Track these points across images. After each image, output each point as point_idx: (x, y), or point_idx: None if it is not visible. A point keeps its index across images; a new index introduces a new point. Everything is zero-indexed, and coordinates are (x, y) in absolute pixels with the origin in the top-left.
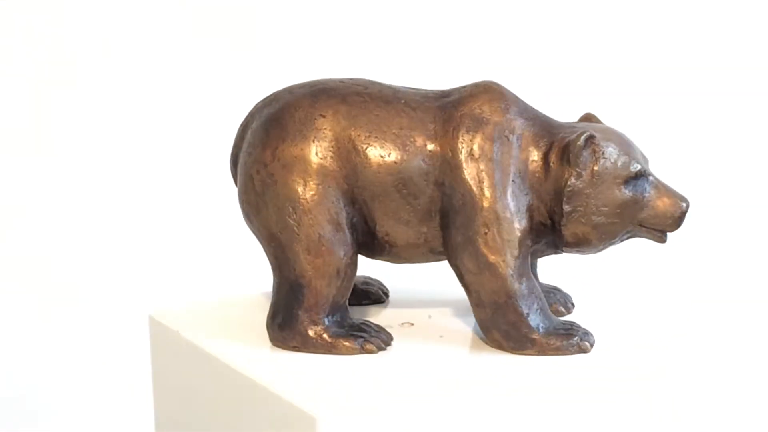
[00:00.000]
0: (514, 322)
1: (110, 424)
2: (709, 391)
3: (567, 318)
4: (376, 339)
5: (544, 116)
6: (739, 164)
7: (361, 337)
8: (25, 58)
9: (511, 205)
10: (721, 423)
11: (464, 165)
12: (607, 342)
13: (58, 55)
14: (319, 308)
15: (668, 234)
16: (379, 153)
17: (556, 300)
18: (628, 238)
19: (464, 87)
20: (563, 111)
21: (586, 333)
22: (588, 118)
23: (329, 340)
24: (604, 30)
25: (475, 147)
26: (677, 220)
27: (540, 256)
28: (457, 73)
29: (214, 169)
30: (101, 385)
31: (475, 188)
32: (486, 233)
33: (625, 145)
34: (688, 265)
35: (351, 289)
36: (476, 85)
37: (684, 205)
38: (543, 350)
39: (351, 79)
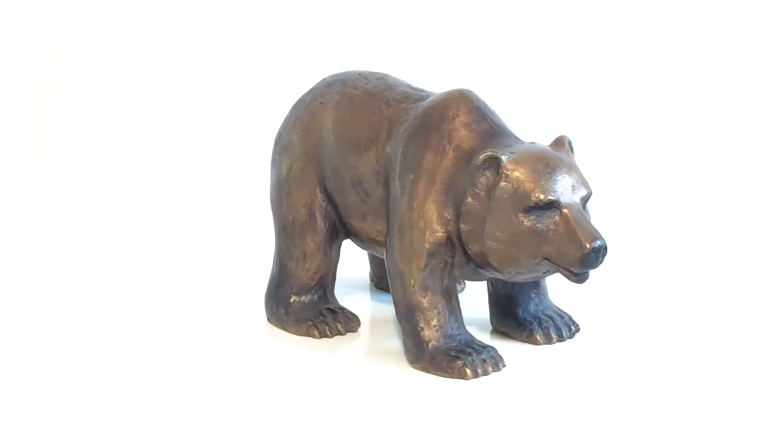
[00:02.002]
0: (409, 333)
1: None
2: (704, 392)
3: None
4: (323, 325)
5: (503, 131)
6: (737, 164)
7: (311, 321)
8: (25, 58)
9: (428, 215)
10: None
11: (398, 169)
12: (606, 343)
13: (58, 54)
14: (287, 287)
15: (588, 273)
16: (343, 146)
17: (549, 326)
18: (546, 272)
19: (439, 92)
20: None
21: (483, 361)
22: (557, 141)
23: (284, 318)
24: (608, 31)
25: (411, 153)
26: (579, 260)
27: (475, 277)
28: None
29: (214, 169)
30: (99, 385)
31: (399, 193)
32: (400, 239)
33: (541, 174)
34: (691, 266)
35: (325, 274)
36: (447, 92)
37: (588, 246)
38: (427, 367)
39: (369, 71)
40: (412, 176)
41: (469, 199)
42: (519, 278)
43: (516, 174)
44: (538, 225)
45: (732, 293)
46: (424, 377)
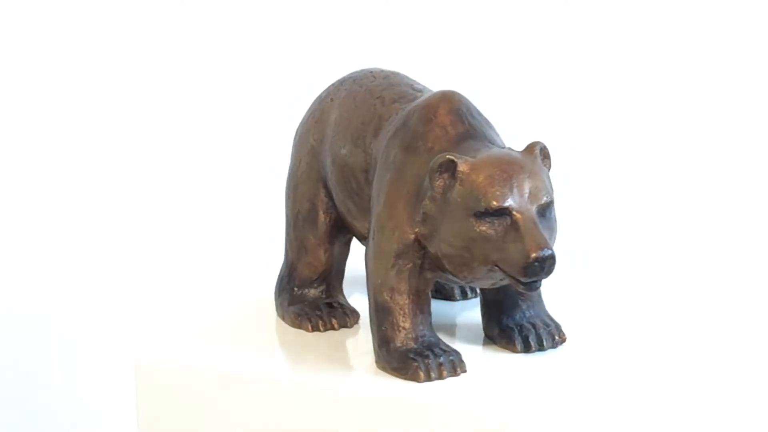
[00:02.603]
0: (374, 332)
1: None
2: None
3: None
4: (317, 318)
5: (479, 135)
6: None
7: (306, 314)
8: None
9: (399, 216)
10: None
11: (379, 169)
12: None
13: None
14: (291, 279)
15: (538, 283)
16: (339, 143)
17: (529, 334)
18: (503, 279)
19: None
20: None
21: (439, 365)
22: (528, 147)
23: (285, 309)
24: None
25: (391, 153)
26: (523, 269)
27: (449, 280)
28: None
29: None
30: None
31: (375, 193)
32: (373, 239)
33: (496, 179)
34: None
35: (327, 269)
36: (434, 93)
37: (533, 255)
38: (386, 367)
39: (382, 69)
40: (388, 176)
41: (427, 202)
42: (478, 284)
43: (471, 179)
44: (489, 231)
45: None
46: (384, 378)
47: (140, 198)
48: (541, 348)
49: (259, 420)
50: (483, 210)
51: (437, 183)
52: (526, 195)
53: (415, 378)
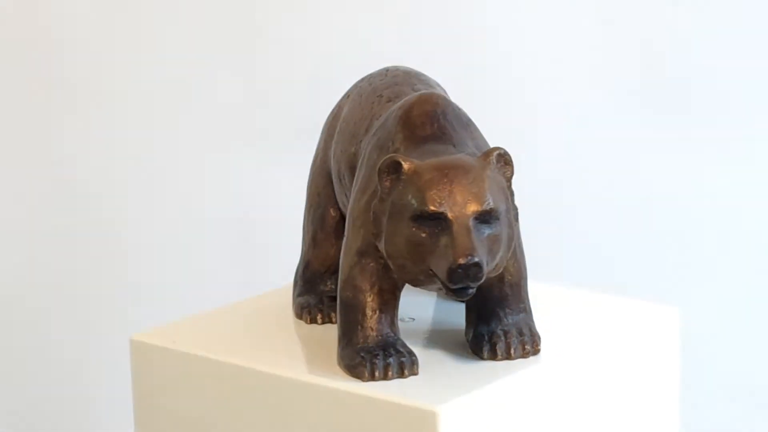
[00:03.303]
0: (337, 328)
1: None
2: None
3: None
4: (316, 311)
5: (444, 138)
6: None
7: (307, 305)
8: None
9: (365, 214)
10: None
11: (357, 167)
12: None
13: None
14: (303, 270)
15: (468, 291)
16: (338, 139)
17: (498, 342)
18: (440, 289)
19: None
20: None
21: (386, 365)
22: (485, 153)
23: (294, 299)
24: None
25: (368, 151)
26: (447, 275)
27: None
28: None
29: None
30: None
31: (352, 191)
32: (345, 236)
33: (435, 184)
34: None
35: (334, 262)
36: (414, 94)
37: (457, 261)
38: (339, 363)
39: (397, 67)
40: (362, 173)
41: (376, 202)
42: (426, 288)
43: (412, 181)
44: (424, 235)
45: None
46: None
47: (169, 187)
48: (508, 357)
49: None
50: (419, 213)
51: (384, 183)
52: (464, 201)
53: (359, 377)
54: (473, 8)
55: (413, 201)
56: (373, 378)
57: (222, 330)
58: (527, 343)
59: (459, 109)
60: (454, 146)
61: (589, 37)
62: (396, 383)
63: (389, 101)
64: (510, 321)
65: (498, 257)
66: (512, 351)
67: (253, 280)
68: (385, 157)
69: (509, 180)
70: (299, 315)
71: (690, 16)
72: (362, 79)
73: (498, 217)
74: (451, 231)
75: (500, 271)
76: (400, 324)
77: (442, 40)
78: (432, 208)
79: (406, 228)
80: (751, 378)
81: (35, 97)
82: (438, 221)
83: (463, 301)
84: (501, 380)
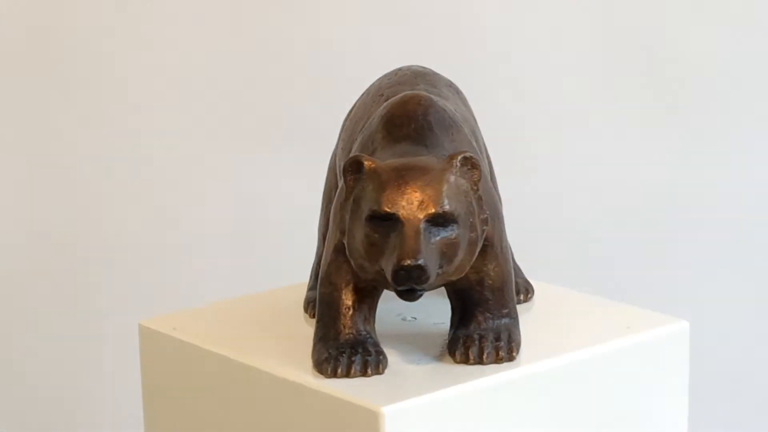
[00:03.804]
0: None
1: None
2: None
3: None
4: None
5: (418, 140)
6: None
7: (311, 300)
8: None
9: (342, 212)
10: None
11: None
12: None
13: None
14: (317, 265)
15: (416, 294)
16: (341, 137)
17: (472, 346)
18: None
19: None
20: None
21: (350, 362)
22: (449, 157)
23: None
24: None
25: (355, 148)
26: (392, 276)
27: None
28: None
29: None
30: (90, 394)
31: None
32: (328, 233)
33: (390, 185)
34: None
35: None
36: (401, 94)
37: (400, 262)
38: (311, 358)
39: (412, 66)
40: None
41: (342, 201)
42: (391, 290)
43: (371, 181)
44: (377, 235)
45: None
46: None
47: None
48: (480, 362)
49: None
50: (373, 213)
51: (348, 182)
52: (417, 203)
53: (323, 373)
54: (472, 7)
55: (369, 201)
56: (335, 375)
57: (225, 321)
58: (502, 349)
59: (445, 111)
60: (427, 147)
61: (590, 36)
62: (357, 382)
63: (387, 100)
64: (489, 325)
65: (456, 261)
66: (485, 356)
67: (253, 280)
68: (350, 156)
69: (476, 184)
70: (305, 309)
71: (689, 15)
72: (378, 78)
73: (455, 221)
74: (401, 232)
75: (461, 274)
76: (402, 323)
77: (441, 40)
78: (385, 208)
79: (363, 227)
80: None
81: (35, 97)
82: (391, 222)
83: (409, 301)
84: (460, 385)
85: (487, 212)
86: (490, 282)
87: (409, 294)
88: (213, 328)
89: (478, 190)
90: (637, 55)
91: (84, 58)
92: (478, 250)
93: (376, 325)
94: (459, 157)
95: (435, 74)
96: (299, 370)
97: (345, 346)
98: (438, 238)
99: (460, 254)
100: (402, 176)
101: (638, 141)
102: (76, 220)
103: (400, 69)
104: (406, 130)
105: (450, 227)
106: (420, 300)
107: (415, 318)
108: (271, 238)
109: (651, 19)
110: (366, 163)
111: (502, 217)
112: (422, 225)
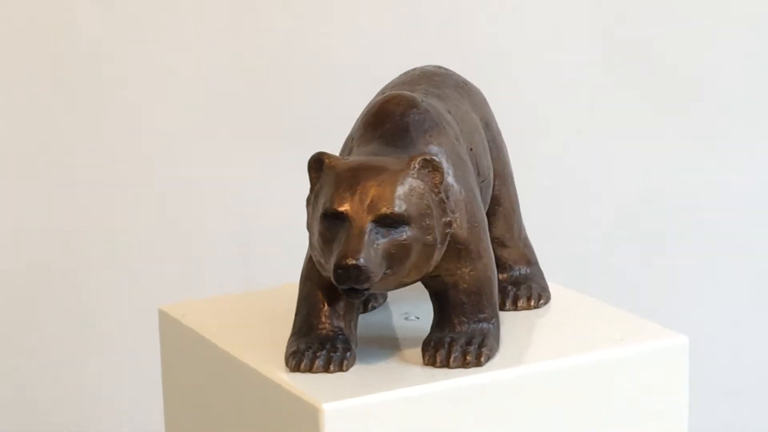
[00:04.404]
0: None
1: (120, 418)
2: None
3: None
4: None
5: (391, 140)
6: None
7: None
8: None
9: None
10: None
11: None
12: None
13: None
14: None
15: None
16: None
17: (440, 349)
18: None
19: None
20: None
21: (314, 358)
22: (409, 159)
23: None
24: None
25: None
26: (334, 274)
27: None
28: None
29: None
30: (110, 378)
31: None
32: None
33: (341, 184)
34: None
35: None
36: (386, 94)
37: (342, 262)
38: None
39: (424, 66)
40: None
41: (309, 196)
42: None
43: (326, 178)
44: (328, 233)
45: None
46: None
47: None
48: (446, 365)
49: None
50: (325, 211)
51: (312, 179)
52: (366, 203)
53: (288, 366)
54: (471, 7)
55: (323, 198)
56: (298, 369)
57: (231, 312)
58: (470, 354)
59: (428, 112)
60: (397, 148)
61: (591, 37)
62: (316, 377)
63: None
64: (464, 329)
65: (408, 263)
66: (451, 360)
67: (254, 280)
68: (314, 154)
69: (437, 186)
70: None
71: (689, 14)
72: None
73: (406, 223)
74: (347, 231)
75: (419, 276)
76: (405, 322)
77: (440, 40)
78: (335, 206)
79: (319, 225)
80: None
81: (35, 97)
82: (340, 220)
83: (353, 300)
84: (407, 388)
85: (452, 215)
86: (465, 286)
87: (351, 293)
88: (218, 317)
89: (439, 192)
90: (637, 55)
91: (82, 57)
92: (440, 253)
93: (378, 321)
94: (418, 159)
95: (447, 74)
96: (271, 363)
97: (314, 341)
98: (386, 239)
99: (413, 257)
100: (355, 176)
101: (639, 142)
102: (76, 220)
103: (414, 69)
104: (380, 130)
105: (400, 229)
106: (426, 300)
107: (418, 318)
108: (272, 236)
109: (651, 18)
110: (326, 160)
111: (483, 221)
112: (369, 225)
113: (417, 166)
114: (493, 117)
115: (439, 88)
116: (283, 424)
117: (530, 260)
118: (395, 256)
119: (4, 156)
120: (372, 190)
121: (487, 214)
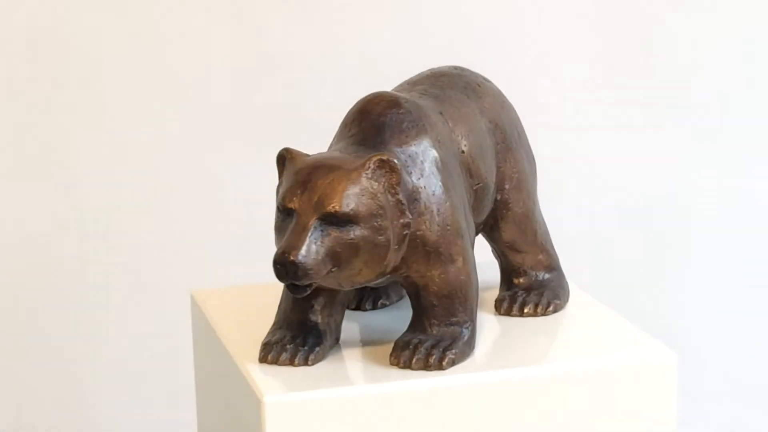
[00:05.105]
0: None
1: (152, 403)
2: None
3: None
4: None
5: (363, 140)
6: None
7: None
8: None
9: None
10: None
11: None
12: None
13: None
14: None
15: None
16: None
17: (405, 351)
18: None
19: None
20: None
21: (282, 350)
22: (366, 158)
23: None
24: None
25: None
26: (273, 268)
27: None
28: None
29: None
30: (142, 364)
31: None
32: None
33: (294, 180)
34: None
35: None
36: (370, 93)
37: (279, 256)
38: None
39: (441, 66)
40: None
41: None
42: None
43: (285, 174)
44: (281, 228)
45: None
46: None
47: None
48: (407, 367)
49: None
50: (278, 206)
51: (279, 173)
52: (313, 200)
53: (258, 357)
54: (470, 7)
55: (279, 193)
56: (265, 361)
57: (249, 302)
58: (432, 357)
59: (409, 113)
60: (366, 147)
61: (590, 37)
62: (281, 369)
63: None
64: (434, 332)
65: (356, 263)
66: (413, 361)
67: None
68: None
69: (393, 187)
70: None
71: (690, 14)
72: None
73: (354, 222)
74: (294, 226)
75: (372, 277)
76: (399, 321)
77: (440, 40)
78: (284, 202)
79: (275, 218)
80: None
81: (34, 97)
82: (290, 216)
83: (295, 296)
84: (355, 387)
85: (410, 217)
86: (435, 288)
87: (294, 289)
88: (234, 305)
89: (396, 193)
90: (638, 54)
91: (82, 57)
92: (396, 254)
93: (376, 320)
94: (374, 159)
95: (458, 75)
96: (251, 353)
97: (287, 334)
98: (331, 237)
99: (362, 256)
100: (309, 173)
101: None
102: (77, 220)
103: (430, 70)
104: (355, 129)
105: (347, 228)
106: None
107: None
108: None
109: (651, 17)
110: (287, 156)
111: (458, 224)
112: (313, 222)
113: (372, 166)
114: (512, 121)
115: (441, 89)
116: (242, 413)
117: (549, 266)
118: (341, 255)
119: (4, 156)
120: (322, 187)
121: (496, 218)
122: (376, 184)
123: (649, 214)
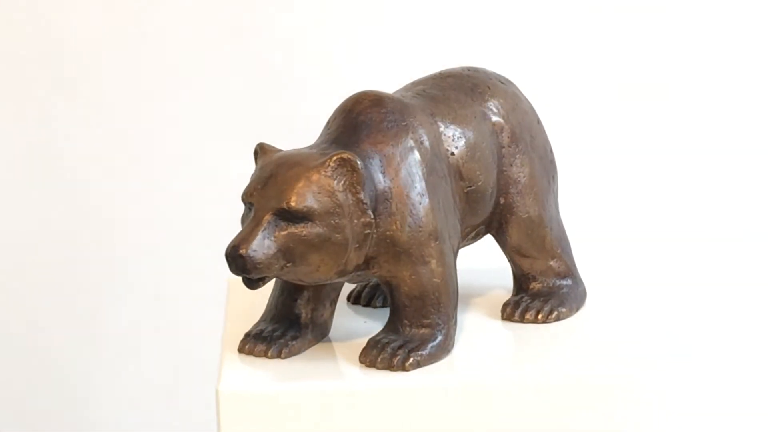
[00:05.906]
0: None
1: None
2: None
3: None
4: None
5: (339, 139)
6: None
7: None
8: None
9: None
10: None
11: None
12: None
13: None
14: None
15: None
16: None
17: (375, 350)
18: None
19: None
20: None
21: (259, 342)
22: (328, 157)
23: None
24: None
25: None
26: (226, 261)
27: None
28: None
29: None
30: (142, 364)
31: None
32: None
33: (256, 175)
34: None
35: None
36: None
37: (229, 250)
38: None
39: (452, 67)
40: None
41: None
42: None
43: (256, 168)
44: (245, 221)
45: None
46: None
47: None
48: (373, 366)
49: None
50: (242, 199)
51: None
52: (270, 195)
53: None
54: (469, 8)
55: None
56: (243, 351)
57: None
58: (398, 357)
59: (391, 113)
60: (338, 145)
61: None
62: (256, 361)
63: None
64: (405, 333)
65: (312, 259)
66: (378, 361)
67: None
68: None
69: (354, 186)
70: (348, 298)
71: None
72: None
73: (308, 218)
74: (250, 219)
75: (332, 274)
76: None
77: (439, 40)
78: (245, 195)
79: (243, 210)
80: None
81: (34, 97)
82: (251, 210)
83: (250, 289)
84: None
85: (372, 217)
86: (406, 289)
87: (247, 282)
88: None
89: (357, 192)
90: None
91: (81, 57)
92: (358, 253)
93: (371, 317)
94: (334, 158)
95: (466, 76)
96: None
97: (269, 325)
98: (284, 232)
99: (317, 253)
100: (271, 168)
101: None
102: (76, 219)
103: (444, 69)
104: (334, 127)
105: (301, 224)
106: None
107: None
108: None
109: (649, 16)
110: (260, 151)
111: (431, 226)
112: (268, 217)
113: (332, 164)
114: (524, 124)
115: (441, 90)
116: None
117: (562, 273)
118: (294, 251)
119: (4, 156)
120: (279, 183)
121: (501, 222)
122: (335, 182)
123: (650, 213)
